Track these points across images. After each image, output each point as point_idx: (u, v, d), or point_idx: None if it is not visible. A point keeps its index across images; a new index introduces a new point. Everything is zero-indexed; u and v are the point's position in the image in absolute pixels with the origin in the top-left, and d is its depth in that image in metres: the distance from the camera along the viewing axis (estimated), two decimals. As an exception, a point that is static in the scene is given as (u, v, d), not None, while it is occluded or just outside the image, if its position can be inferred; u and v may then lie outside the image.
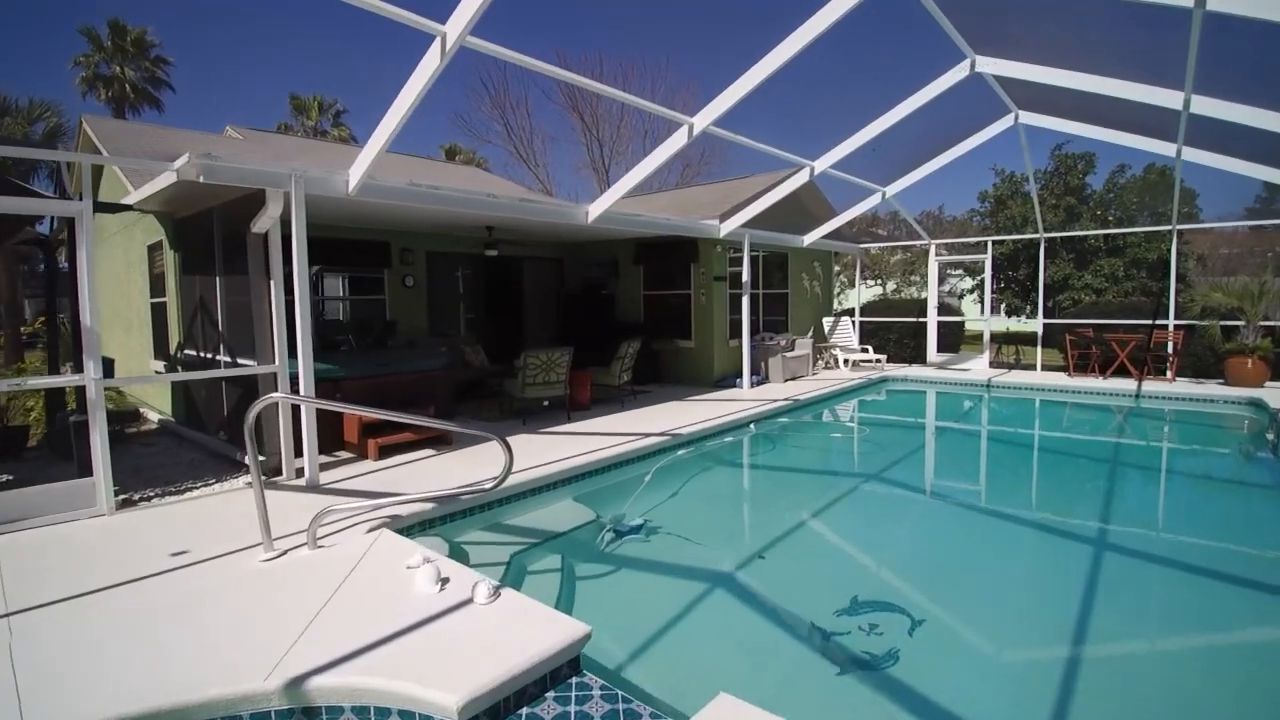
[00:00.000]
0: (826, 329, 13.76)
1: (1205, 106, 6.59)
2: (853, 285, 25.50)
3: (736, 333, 11.31)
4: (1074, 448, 8.49)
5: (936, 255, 13.57)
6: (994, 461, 7.94)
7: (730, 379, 10.99)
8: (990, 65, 7.64)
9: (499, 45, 4.89)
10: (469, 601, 2.96)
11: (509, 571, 4.49)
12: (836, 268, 22.37)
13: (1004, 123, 9.81)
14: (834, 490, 6.55)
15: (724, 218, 10.12)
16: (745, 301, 10.50)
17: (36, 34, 41.85)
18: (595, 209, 7.86)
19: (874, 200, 11.26)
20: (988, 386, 11.31)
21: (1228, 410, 9.39)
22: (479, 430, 4.15)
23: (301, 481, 5.76)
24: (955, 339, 14.65)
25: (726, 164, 26.53)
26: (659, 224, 9.30)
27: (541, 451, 6.47)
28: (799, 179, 9.24)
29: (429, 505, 4.97)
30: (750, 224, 10.65)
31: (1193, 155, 8.94)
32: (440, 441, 7.16)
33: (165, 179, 5.96)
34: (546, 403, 8.39)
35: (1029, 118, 9.66)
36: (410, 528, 4.86)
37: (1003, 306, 18.75)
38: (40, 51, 46.09)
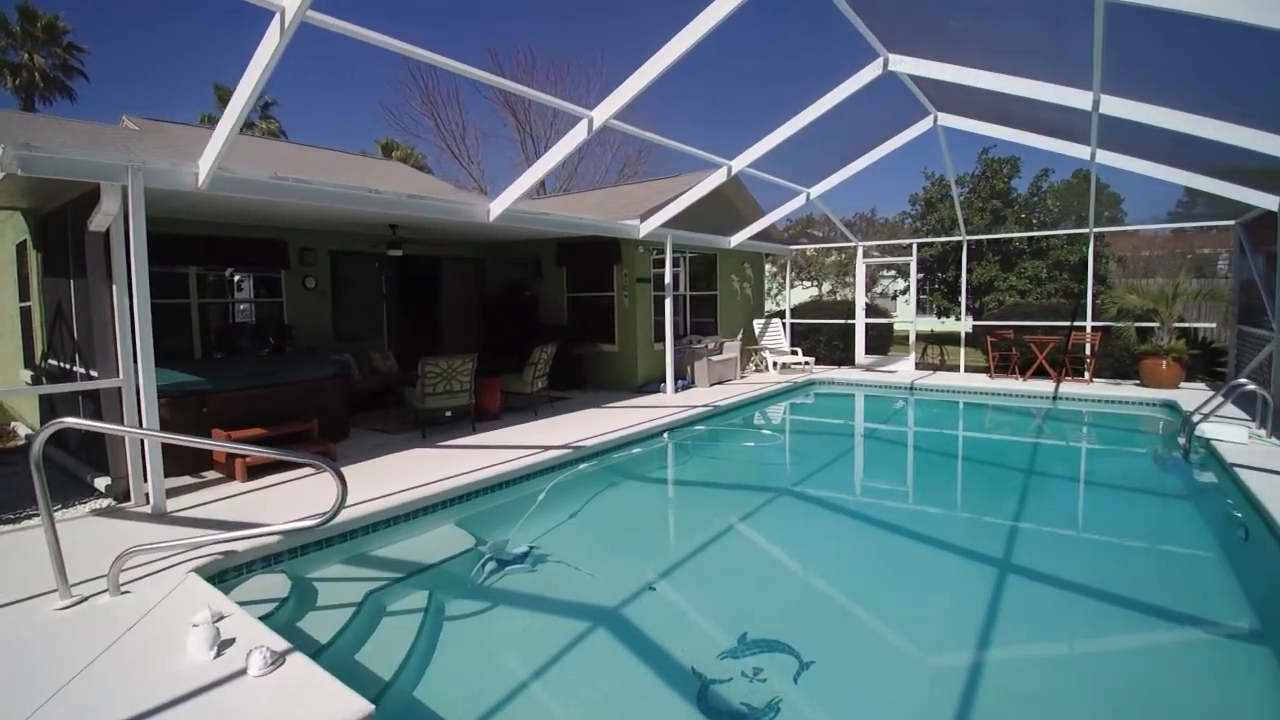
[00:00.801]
0: (757, 331, 13.56)
1: (1114, 107, 6.52)
2: (791, 287, 25.65)
3: (662, 335, 10.98)
4: (989, 452, 8.44)
5: (865, 257, 13.52)
6: (908, 469, 7.78)
7: (655, 384, 10.64)
8: (903, 64, 7.47)
9: (348, 23, 4.37)
10: (242, 672, 2.48)
11: (358, 614, 3.97)
12: (773, 269, 22.39)
13: (923, 124, 9.73)
14: (743, 506, 6.22)
15: (645, 217, 9.75)
16: (668, 304, 10.16)
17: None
18: (497, 206, 7.37)
19: (799, 201, 11.07)
20: (911, 389, 11.26)
21: (1141, 412, 9.51)
22: (309, 459, 3.62)
23: (149, 509, 5.13)
24: (885, 340, 14.66)
25: (663, 164, 26.25)
26: (571, 224, 8.87)
27: (432, 468, 5.97)
28: (716, 178, 8.94)
29: (274, 538, 4.43)
30: (673, 224, 10.32)
31: (1109, 159, 8.99)
32: (324, 458, 6.55)
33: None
34: (449, 413, 7.85)
35: (948, 120, 9.59)
36: (251, 564, 4.31)
37: (935, 307, 18.97)
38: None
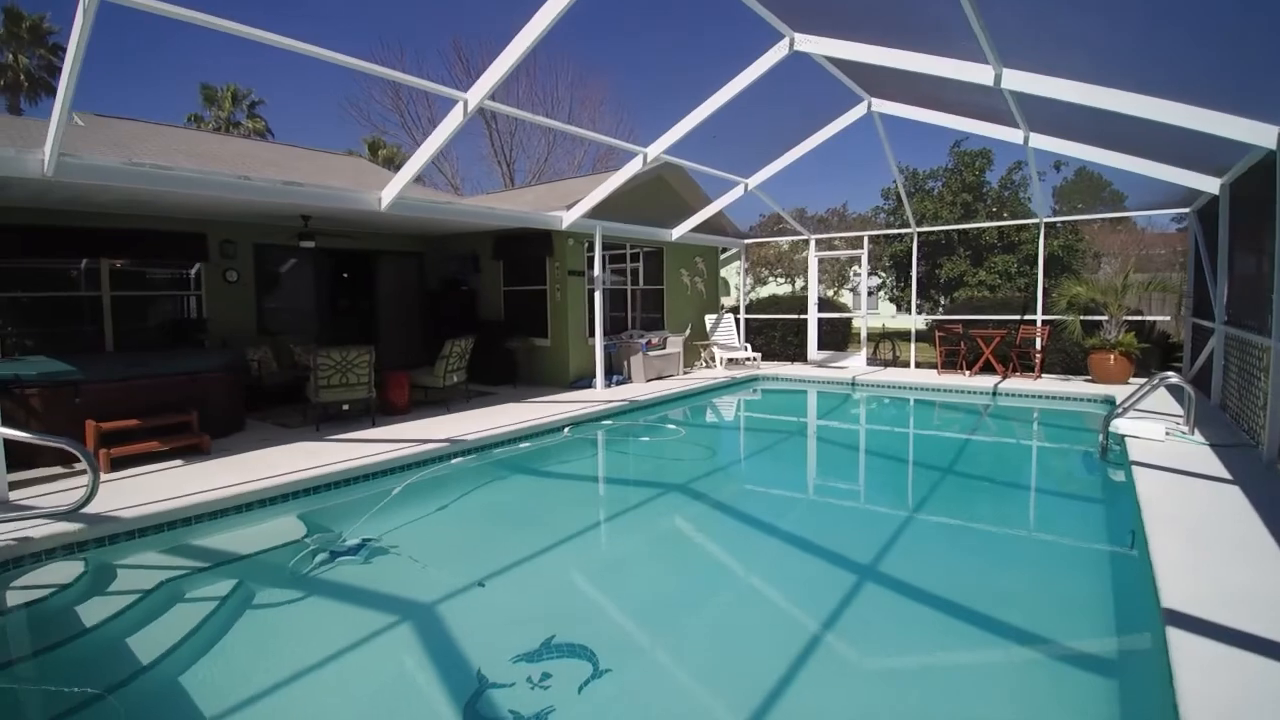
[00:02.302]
0: (709, 326, 13.30)
1: (1015, 81, 6.22)
2: (763, 282, 25.33)
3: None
4: (904, 449, 8.15)
5: (817, 249, 13.21)
6: (809, 467, 7.51)
7: (587, 379, 10.42)
8: (810, 44, 7.21)
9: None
10: None
11: (143, 600, 3.80)
12: (745, 264, 22.05)
13: (857, 111, 9.46)
14: (620, 504, 5.99)
15: (571, 208, 9.54)
16: (597, 297, 9.94)
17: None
18: (388, 194, 7.19)
19: (737, 192, 10.82)
20: (853, 385, 10.96)
21: (1081, 408, 9.17)
22: (58, 442, 3.47)
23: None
24: (843, 337, 14.35)
25: (623, 157, 25.99)
26: (479, 214, 8.69)
27: (302, 460, 5.84)
28: (633, 166, 8.71)
29: (76, 525, 4.27)
30: (605, 216, 10.11)
31: (1043, 143, 8.67)
32: (195, 450, 6.40)
33: None
34: (346, 407, 7.68)
35: (882, 105, 9.32)
36: (51, 550, 4.16)
37: (909, 303, 18.60)
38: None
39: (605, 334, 11.27)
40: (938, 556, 4.61)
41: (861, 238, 12.31)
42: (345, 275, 11.89)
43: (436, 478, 6.19)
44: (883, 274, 19.61)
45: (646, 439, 8.11)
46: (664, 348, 11.54)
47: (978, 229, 15.83)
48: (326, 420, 7.72)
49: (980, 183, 17.26)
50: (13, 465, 5.75)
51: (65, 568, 4.10)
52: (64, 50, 26.06)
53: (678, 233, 11.63)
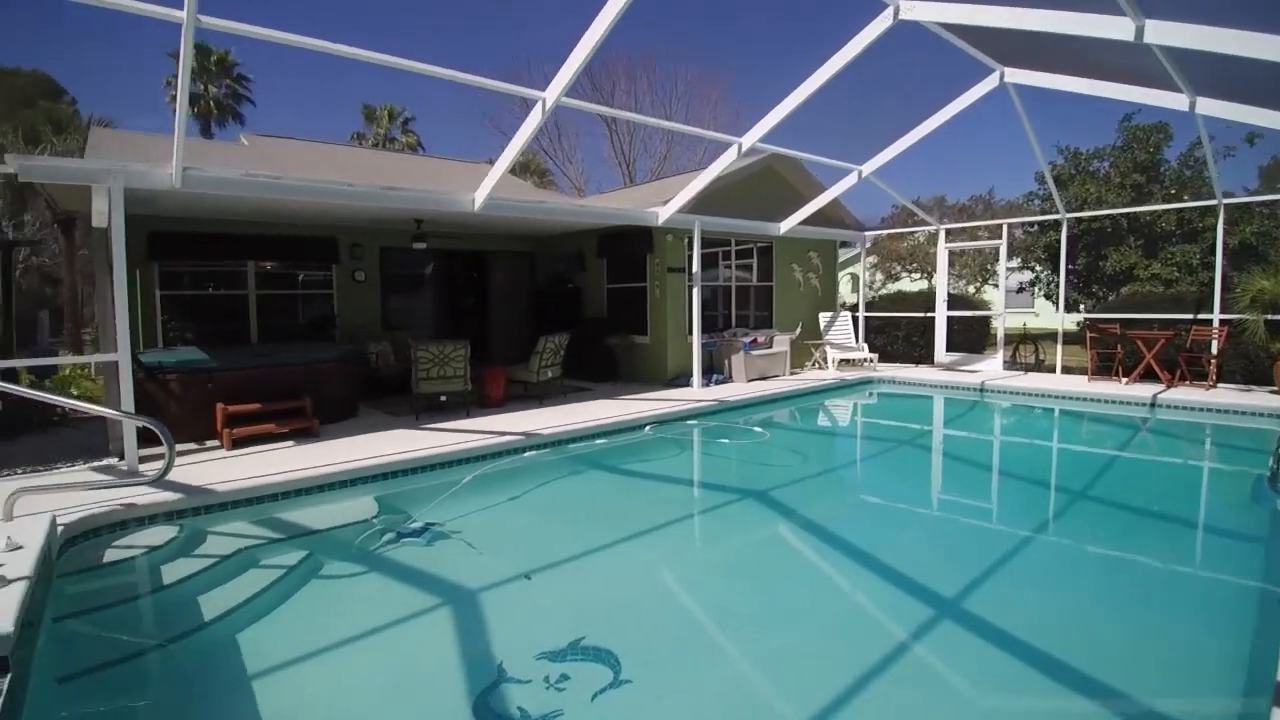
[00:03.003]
0: (823, 325, 12.56)
1: (1162, 33, 5.22)
2: (895, 278, 23.60)
3: (705, 327, 10.54)
4: (1028, 467, 7.11)
5: (947, 241, 12.03)
6: (914, 481, 6.76)
7: (685, 378, 10.21)
8: (916, 10, 6.52)
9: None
10: None
11: (222, 564, 4.17)
12: (867, 257, 20.65)
13: (988, 83, 8.47)
14: (691, 507, 5.71)
15: (667, 203, 9.38)
16: (695, 294, 9.71)
17: (131, 59, 46.66)
18: (480, 195, 7.43)
19: (850, 180, 10.09)
20: (981, 391, 9.83)
21: (1262, 425, 7.58)
22: (135, 418, 3.89)
23: (123, 465, 5.75)
24: (978, 337, 12.96)
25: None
26: (571, 212, 8.76)
27: (394, 446, 6.25)
28: (727, 158, 8.37)
29: (175, 495, 4.77)
30: (711, 211, 9.86)
31: (1220, 109, 7.27)
32: (306, 433, 6.99)
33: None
34: (443, 398, 8.04)
35: (1015, 75, 8.28)
36: (154, 516, 4.68)
37: (1066, 300, 16.50)
38: (139, 79, 51.21)
39: (706, 331, 11.02)
40: (1045, 591, 3.95)
41: (1000, 226, 11.02)
42: (462, 275, 12.54)
43: (510, 469, 6.29)
44: (1037, 267, 17.56)
45: (730, 441, 7.75)
46: (769, 347, 11.05)
47: (1147, 213, 13.68)
48: (427, 410, 8.12)
49: (1156, 161, 14.94)
50: (152, 442, 6.60)
51: (161, 531, 4.58)
52: (248, 80, 30.01)
53: (786, 226, 11.08)
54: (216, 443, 6.88)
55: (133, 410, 5.49)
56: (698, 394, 9.26)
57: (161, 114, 30.07)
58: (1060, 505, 5.67)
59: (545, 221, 9.74)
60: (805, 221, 11.19)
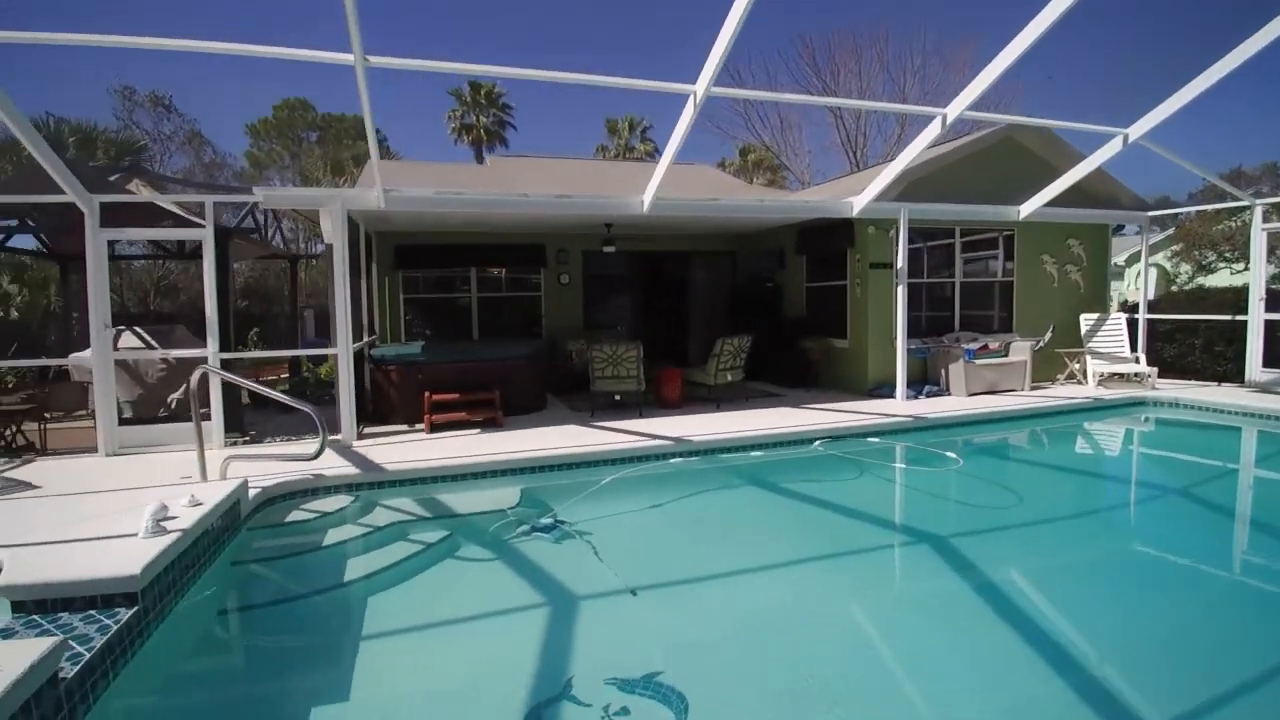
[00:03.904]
0: (1085, 330, 10.24)
1: None
2: (1209, 270, 18.48)
3: (914, 331, 9.29)
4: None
5: (1264, 223, 8.96)
6: (1155, 538, 5.04)
7: (887, 387, 9.05)
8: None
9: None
10: (133, 534, 3.27)
11: (376, 533, 4.71)
12: (1176, 246, 16.35)
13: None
14: (837, 542, 4.79)
15: (863, 191, 8.39)
16: (900, 293, 8.55)
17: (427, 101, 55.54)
18: (648, 196, 7.33)
19: (1113, 148, 8.02)
20: (1311, 423, 7.13)
21: None
22: (299, 404, 4.56)
23: (341, 440, 6.77)
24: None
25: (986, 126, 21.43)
26: (743, 208, 8.24)
27: (549, 440, 6.56)
28: (930, 133, 7.14)
29: (354, 469, 5.46)
30: (928, 197, 8.65)
31: None
32: (493, 423, 7.56)
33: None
34: (618, 397, 8.13)
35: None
36: (334, 487, 5.40)
37: None
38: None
39: (925, 335, 9.67)
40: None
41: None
42: (661, 275, 12.68)
43: (658, 475, 6.10)
44: None
45: (917, 468, 6.60)
46: (1004, 354, 9.33)
47: None
48: (606, 408, 8.29)
49: None
50: (374, 421, 7.67)
51: (337, 500, 5.24)
52: (512, 108, 33.90)
53: (1027, 210, 9.22)
54: (421, 425, 7.77)
55: (361, 394, 6.42)
56: (898, 407, 8.14)
57: (443, 144, 35.55)
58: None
59: (734, 219, 9.38)
60: (1058, 202, 9.20)
